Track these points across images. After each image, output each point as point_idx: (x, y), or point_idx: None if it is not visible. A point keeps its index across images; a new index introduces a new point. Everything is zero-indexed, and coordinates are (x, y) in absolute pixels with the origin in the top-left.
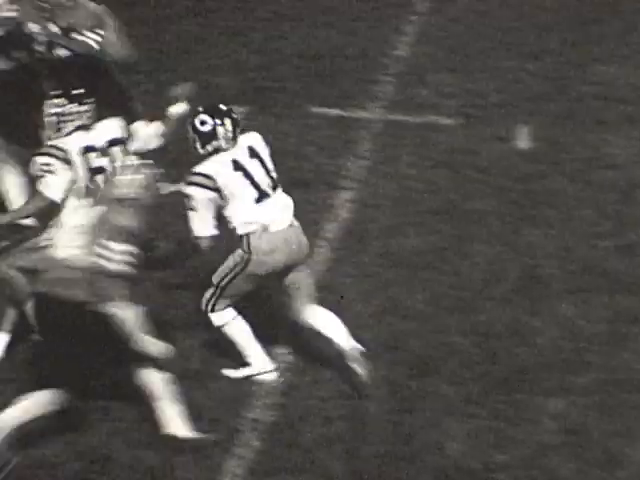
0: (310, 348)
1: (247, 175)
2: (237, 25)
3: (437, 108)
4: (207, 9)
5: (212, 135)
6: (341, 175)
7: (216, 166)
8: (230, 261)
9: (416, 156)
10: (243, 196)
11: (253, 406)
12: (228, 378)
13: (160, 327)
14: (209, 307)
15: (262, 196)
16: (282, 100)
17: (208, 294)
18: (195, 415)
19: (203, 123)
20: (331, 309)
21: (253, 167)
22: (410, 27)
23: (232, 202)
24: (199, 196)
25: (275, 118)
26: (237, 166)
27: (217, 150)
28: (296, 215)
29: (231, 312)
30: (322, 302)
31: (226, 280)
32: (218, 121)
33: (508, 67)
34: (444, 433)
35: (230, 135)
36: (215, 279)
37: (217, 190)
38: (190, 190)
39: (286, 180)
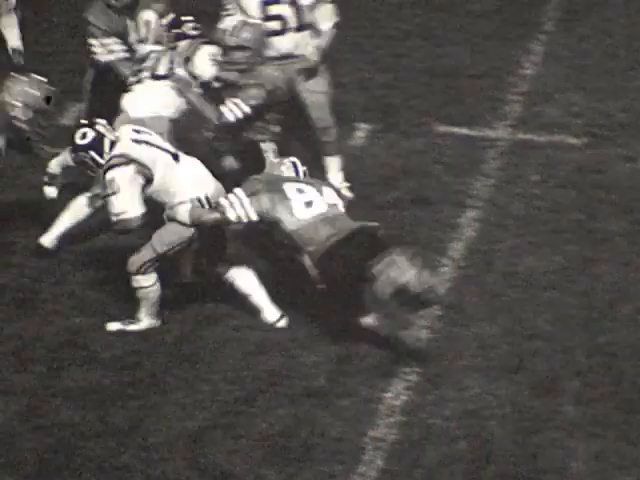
0: (433, 365)
1: (150, 143)
2: (364, 42)
3: (564, 127)
4: (334, 26)
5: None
6: (467, 194)
7: (122, 145)
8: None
9: (542, 175)
10: (164, 160)
11: (377, 425)
12: (353, 397)
13: (282, 343)
14: (141, 270)
15: (175, 157)
16: (408, 118)
17: (146, 257)
18: (319, 433)
19: (84, 136)
20: (457, 327)
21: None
22: (538, 46)
23: (156, 170)
24: (120, 175)
25: (401, 136)
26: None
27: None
28: (421, 234)
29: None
30: (448, 320)
31: (168, 250)
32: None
33: (635, 86)
34: (568, 454)
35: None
36: (158, 246)
37: (135, 162)
38: (109, 175)
39: (411, 198)
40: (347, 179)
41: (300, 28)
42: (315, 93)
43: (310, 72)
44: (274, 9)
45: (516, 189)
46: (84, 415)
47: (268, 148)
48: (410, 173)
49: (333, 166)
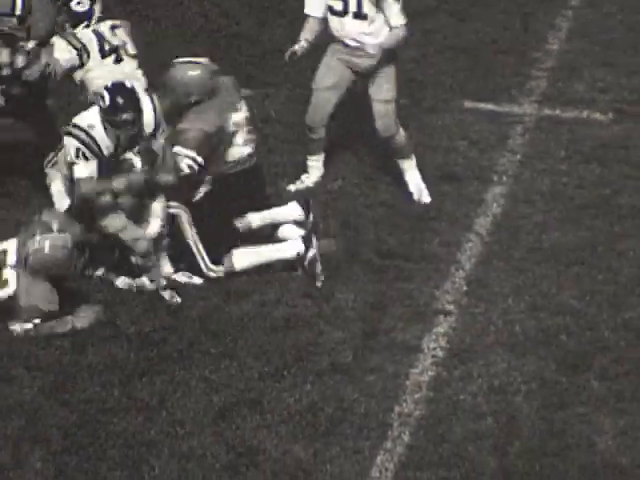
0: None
1: None
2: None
3: (589, 103)
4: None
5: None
6: (493, 170)
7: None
8: None
9: (568, 151)
10: None
11: (403, 400)
12: (379, 372)
13: (309, 319)
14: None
15: None
16: (434, 94)
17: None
18: (345, 409)
19: None
20: (483, 303)
21: None
22: (564, 22)
23: None
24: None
25: (427, 112)
26: None
27: None
28: (447, 209)
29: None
30: (474, 295)
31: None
32: None
33: None
34: (595, 429)
35: None
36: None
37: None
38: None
39: (437, 174)
40: (374, 155)
41: (358, 15)
42: (378, 102)
43: (373, 75)
44: None
45: (542, 165)
46: (110, 391)
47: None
48: (436, 149)
49: (408, 167)
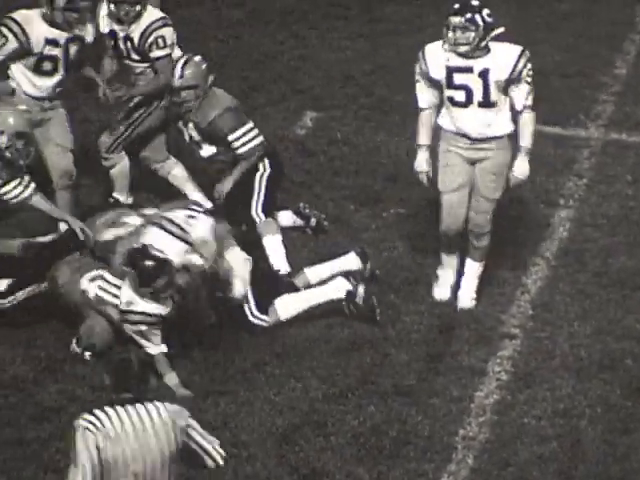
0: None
1: None
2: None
3: None
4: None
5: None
6: (560, 193)
7: None
8: None
9: (635, 175)
10: None
11: (468, 423)
12: (443, 395)
13: (374, 341)
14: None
15: None
16: None
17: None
18: (409, 431)
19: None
20: (548, 327)
21: None
22: (632, 45)
23: None
24: None
25: None
26: None
27: None
28: (514, 233)
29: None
30: (539, 319)
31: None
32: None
33: None
34: None
35: None
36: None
37: None
38: None
39: (503, 197)
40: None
41: (485, 104)
42: (483, 199)
43: (485, 168)
44: (461, 78)
45: (608, 189)
46: None
47: None
48: None
49: (474, 272)
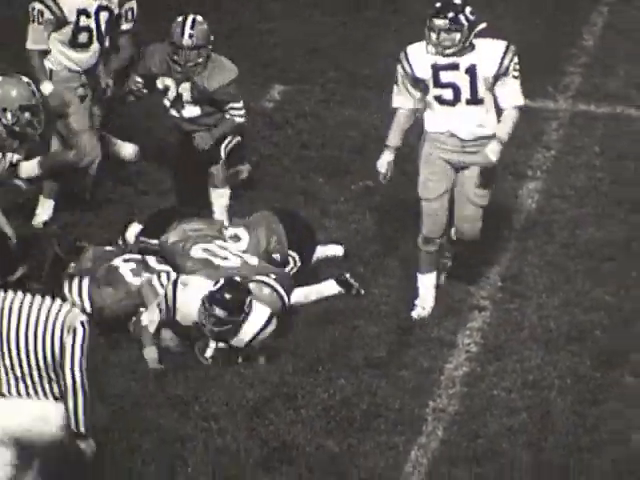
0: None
1: None
2: (422, 14)
3: (624, 99)
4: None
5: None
6: (528, 165)
7: None
8: None
9: (602, 147)
10: None
11: (438, 396)
12: (413, 368)
13: (343, 314)
14: None
15: None
16: None
17: None
18: (379, 404)
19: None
20: (517, 299)
21: None
22: (598, 17)
23: None
24: None
25: None
26: None
27: None
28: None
29: None
30: (508, 291)
31: None
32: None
33: None
34: (629, 425)
35: None
36: None
37: None
38: None
39: None
40: (406, 149)
41: (473, 101)
42: (472, 204)
43: (471, 172)
44: (447, 76)
45: (576, 160)
46: (145, 385)
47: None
48: None
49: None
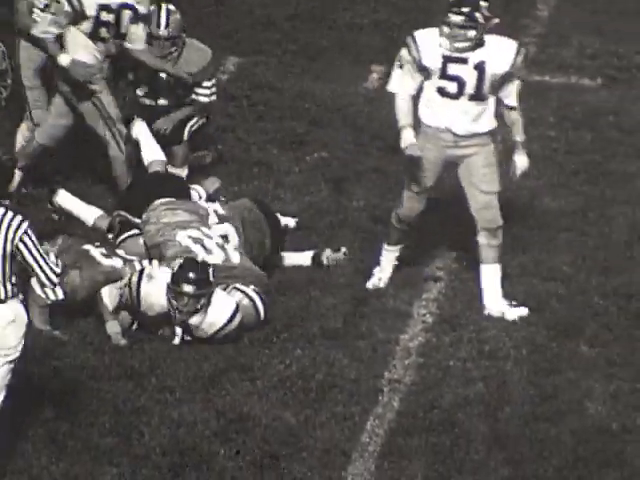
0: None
1: None
2: None
3: (579, 69)
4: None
5: None
6: None
7: None
8: None
9: (557, 117)
10: None
11: (393, 366)
12: (369, 338)
13: (299, 285)
14: None
15: None
16: None
17: None
18: (335, 375)
19: None
20: (473, 269)
21: None
22: None
23: None
24: None
25: None
26: None
27: None
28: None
29: None
30: (463, 261)
31: None
32: None
33: None
34: (585, 394)
35: None
36: None
37: None
38: None
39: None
40: (363, 120)
41: (476, 97)
42: (483, 194)
43: (474, 164)
44: (455, 69)
45: (531, 131)
46: (101, 357)
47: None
48: None
49: (493, 273)
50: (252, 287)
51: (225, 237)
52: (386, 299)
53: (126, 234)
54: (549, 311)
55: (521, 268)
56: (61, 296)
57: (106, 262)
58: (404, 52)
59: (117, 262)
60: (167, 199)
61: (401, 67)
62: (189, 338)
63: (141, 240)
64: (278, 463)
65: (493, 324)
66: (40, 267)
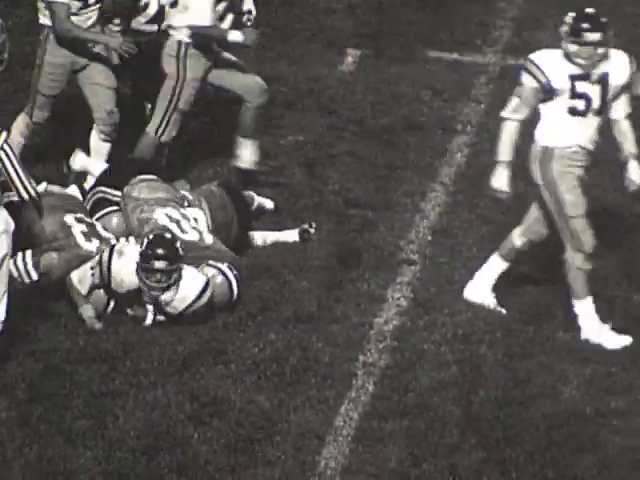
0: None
1: None
2: None
3: None
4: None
5: None
6: (457, 119)
7: None
8: None
9: None
10: None
11: (368, 350)
12: (344, 322)
13: (273, 269)
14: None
15: None
16: (398, 44)
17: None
18: (310, 358)
19: None
20: (447, 252)
21: None
22: None
23: None
24: None
25: (391, 62)
26: None
27: None
28: (412, 158)
29: None
30: (438, 245)
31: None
32: None
33: (625, 13)
34: (559, 378)
35: None
36: None
37: None
38: None
39: (402, 123)
40: (338, 104)
41: (601, 112)
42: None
43: None
44: (581, 86)
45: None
46: (75, 340)
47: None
48: (400, 99)
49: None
50: (226, 264)
51: (195, 220)
52: (360, 283)
53: (104, 210)
54: (523, 295)
55: (494, 252)
56: (35, 277)
57: (85, 246)
58: (526, 79)
59: (94, 246)
60: (147, 176)
61: (519, 96)
62: (161, 318)
63: (117, 218)
64: (252, 447)
65: (467, 308)
66: (19, 178)
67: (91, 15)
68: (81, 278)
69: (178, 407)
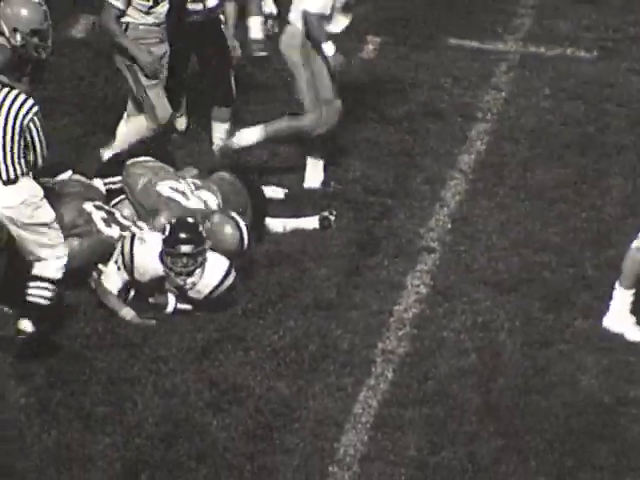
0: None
1: None
2: None
3: (574, 41)
4: None
5: None
6: (477, 107)
7: None
8: None
9: (552, 88)
10: None
11: (387, 337)
12: (363, 309)
13: (293, 256)
14: None
15: None
16: (419, 31)
17: None
18: (329, 345)
19: None
20: (467, 240)
21: None
22: None
23: None
24: None
25: (411, 49)
26: None
27: None
28: (432, 146)
29: None
30: (458, 233)
31: None
32: None
33: None
34: (578, 367)
35: None
36: None
37: None
38: None
39: (422, 111)
40: (358, 91)
41: None
42: None
43: None
44: None
45: (526, 102)
46: (94, 327)
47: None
48: (420, 86)
49: None
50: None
51: (205, 203)
52: (380, 270)
53: (117, 199)
54: (542, 283)
55: (514, 240)
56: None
57: (106, 231)
58: None
59: (115, 231)
60: (142, 157)
61: None
62: (182, 307)
63: (127, 202)
64: (271, 434)
65: (486, 295)
66: (42, 149)
67: (162, 11)
68: (110, 279)
69: (197, 394)
